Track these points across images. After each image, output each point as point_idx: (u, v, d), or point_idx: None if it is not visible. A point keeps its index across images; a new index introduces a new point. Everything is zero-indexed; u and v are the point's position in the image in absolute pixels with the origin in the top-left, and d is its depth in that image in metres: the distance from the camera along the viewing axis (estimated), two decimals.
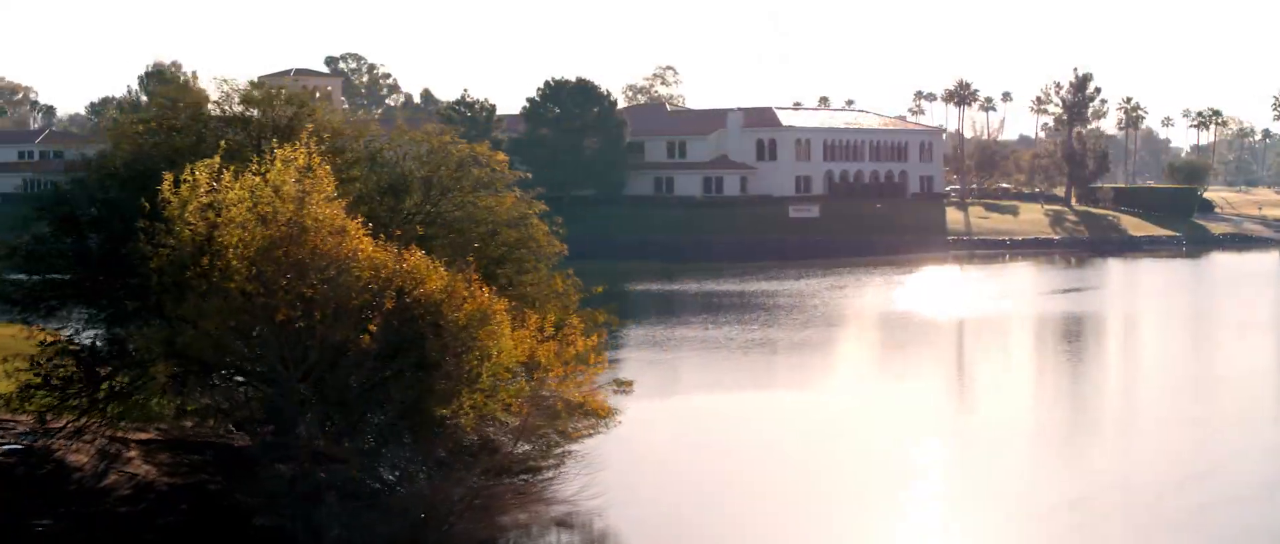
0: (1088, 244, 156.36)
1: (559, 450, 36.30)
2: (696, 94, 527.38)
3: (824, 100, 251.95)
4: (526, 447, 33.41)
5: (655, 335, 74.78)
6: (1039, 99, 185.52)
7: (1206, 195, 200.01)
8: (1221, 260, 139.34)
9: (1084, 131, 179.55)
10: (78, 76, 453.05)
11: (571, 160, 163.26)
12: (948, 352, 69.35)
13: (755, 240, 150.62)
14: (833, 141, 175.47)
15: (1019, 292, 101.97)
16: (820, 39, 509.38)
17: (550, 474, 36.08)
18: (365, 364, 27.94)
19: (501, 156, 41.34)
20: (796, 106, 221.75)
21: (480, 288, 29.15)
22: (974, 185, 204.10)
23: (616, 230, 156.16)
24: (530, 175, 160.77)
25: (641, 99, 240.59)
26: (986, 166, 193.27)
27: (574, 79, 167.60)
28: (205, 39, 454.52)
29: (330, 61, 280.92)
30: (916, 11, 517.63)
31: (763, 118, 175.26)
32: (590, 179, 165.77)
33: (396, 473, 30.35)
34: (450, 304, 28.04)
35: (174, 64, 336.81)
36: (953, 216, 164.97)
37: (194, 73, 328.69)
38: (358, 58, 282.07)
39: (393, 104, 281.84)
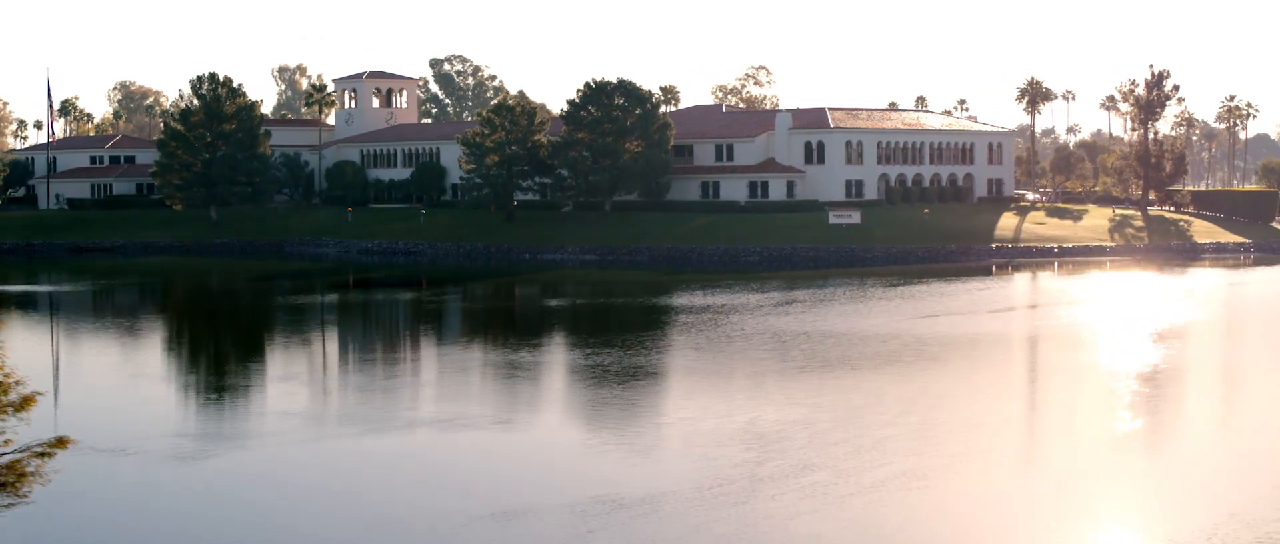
0: (1142, 252, 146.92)
1: None
2: (790, 94, 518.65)
3: (920, 100, 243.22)
4: None
5: (497, 357, 70.02)
6: (1112, 98, 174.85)
7: None
8: (1266, 272, 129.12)
9: (1159, 131, 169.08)
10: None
11: (612, 164, 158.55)
12: (744, 388, 62.56)
13: (788, 249, 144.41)
14: (888, 143, 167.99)
15: (956, 310, 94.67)
16: (930, 39, 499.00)
17: None
18: None
19: None
20: (892, 108, 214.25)
21: None
22: (1049, 188, 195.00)
23: (647, 238, 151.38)
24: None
25: (732, 100, 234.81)
26: (1063, 169, 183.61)
27: (615, 80, 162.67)
28: (328, 42, 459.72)
29: (434, 63, 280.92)
30: (1031, 10, 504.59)
31: (812, 119, 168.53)
32: (632, 183, 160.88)
33: None
34: None
35: (299, 67, 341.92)
36: (1007, 222, 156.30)
37: (319, 75, 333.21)
38: (463, 59, 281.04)
39: None
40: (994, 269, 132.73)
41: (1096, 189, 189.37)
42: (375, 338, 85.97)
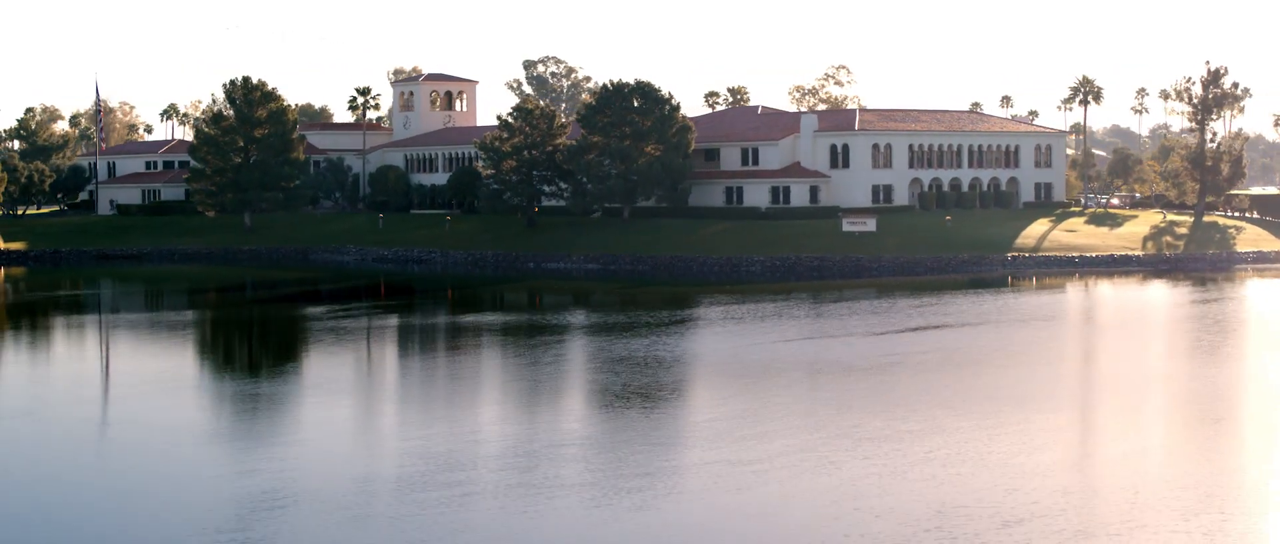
0: (1170, 262, 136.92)
1: None
2: (872, 96, 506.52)
3: (1005, 100, 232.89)
4: None
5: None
6: (1167, 96, 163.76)
7: None
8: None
9: (1217, 132, 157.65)
10: (333, 84, 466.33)
11: (627, 169, 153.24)
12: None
13: (792, 258, 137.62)
14: (921, 146, 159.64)
15: (855, 331, 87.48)
16: (1025, 41, 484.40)
17: None
18: None
19: None
20: (975, 109, 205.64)
21: None
22: (1125, 192, 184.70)
23: (655, 246, 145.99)
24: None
25: (811, 100, 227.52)
26: (1120, 172, 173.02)
27: (633, 81, 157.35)
28: (441, 46, 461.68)
29: (528, 64, 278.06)
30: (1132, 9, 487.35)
31: (839, 120, 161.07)
32: (650, 189, 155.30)
33: None
34: None
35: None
36: (1034, 230, 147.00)
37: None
38: (557, 61, 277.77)
39: None
40: (1010, 281, 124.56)
41: (1162, 193, 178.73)
42: (213, 350, 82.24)
